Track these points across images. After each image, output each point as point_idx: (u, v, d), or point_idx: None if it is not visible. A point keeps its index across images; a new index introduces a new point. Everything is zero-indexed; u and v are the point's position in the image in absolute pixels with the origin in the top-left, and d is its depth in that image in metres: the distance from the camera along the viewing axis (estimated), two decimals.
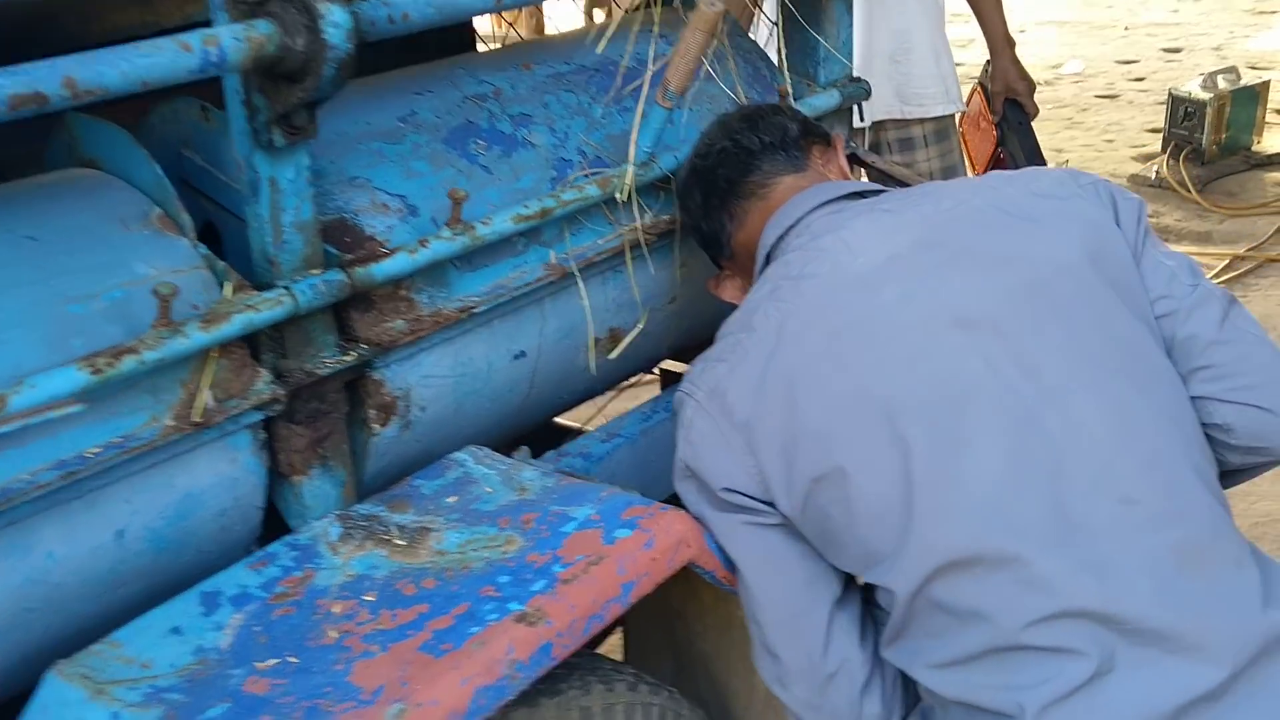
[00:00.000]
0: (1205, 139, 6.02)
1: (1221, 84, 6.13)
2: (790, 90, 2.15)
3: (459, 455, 1.69)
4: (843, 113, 2.25)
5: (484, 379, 1.76)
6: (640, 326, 1.96)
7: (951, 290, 1.54)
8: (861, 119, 2.33)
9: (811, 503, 1.50)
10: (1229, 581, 1.43)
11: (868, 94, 2.25)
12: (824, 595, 1.57)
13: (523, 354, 1.81)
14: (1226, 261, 4.99)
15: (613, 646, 2.17)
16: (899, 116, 3.42)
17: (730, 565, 1.59)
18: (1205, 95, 6.01)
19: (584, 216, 1.84)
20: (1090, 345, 1.50)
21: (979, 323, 1.50)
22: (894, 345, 1.51)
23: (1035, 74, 7.85)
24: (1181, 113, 6.10)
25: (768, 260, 1.71)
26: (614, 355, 1.94)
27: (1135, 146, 6.76)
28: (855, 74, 3.13)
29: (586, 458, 1.93)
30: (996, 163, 3.55)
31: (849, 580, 1.60)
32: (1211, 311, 1.59)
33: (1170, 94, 6.21)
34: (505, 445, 1.80)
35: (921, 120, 3.43)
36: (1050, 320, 1.51)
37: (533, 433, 2.14)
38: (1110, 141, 6.96)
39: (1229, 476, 1.63)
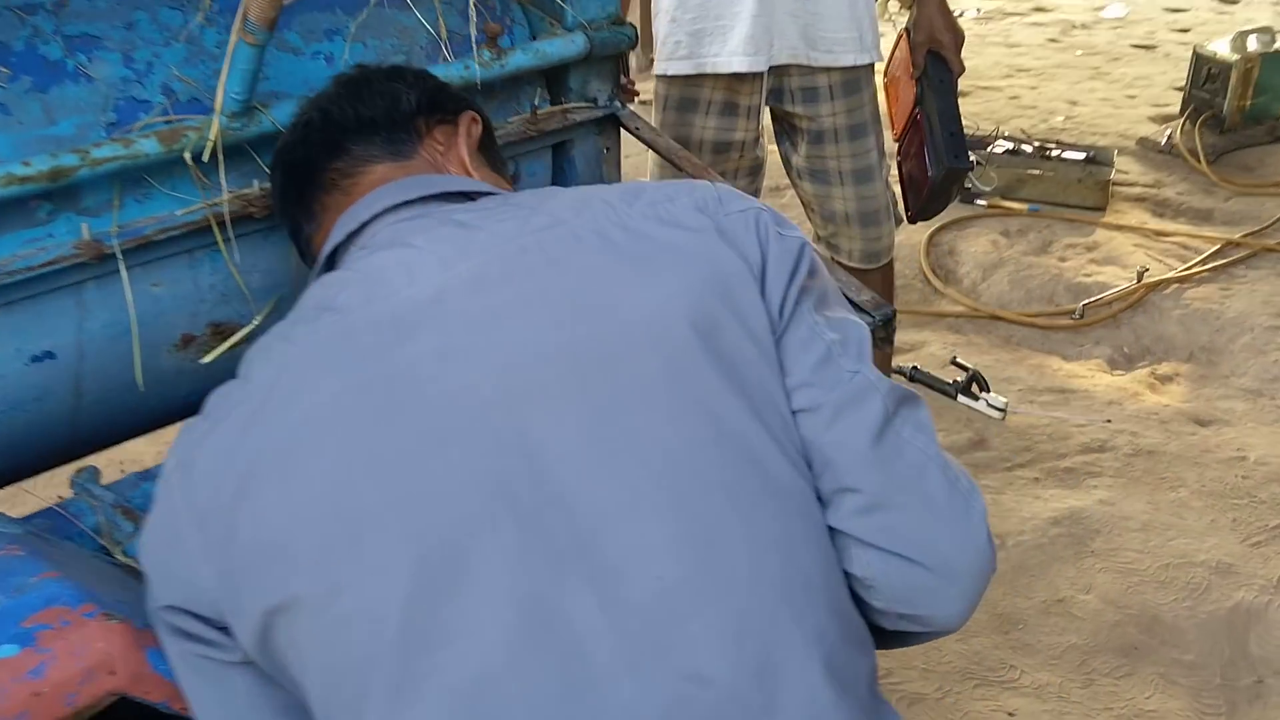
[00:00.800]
0: (1228, 105, 5.40)
1: (1252, 44, 5.49)
2: (513, 28, 1.67)
3: None
4: (597, 63, 1.76)
5: None
6: (258, 321, 1.52)
7: (503, 351, 1.08)
8: (627, 72, 1.83)
9: (270, 641, 1.04)
10: None
11: (632, 42, 1.77)
12: None
13: (49, 355, 1.37)
14: (1218, 246, 4.44)
15: None
16: (804, 63, 2.91)
17: None
18: (1232, 56, 5.40)
19: (156, 179, 1.40)
20: (676, 449, 1.05)
21: (525, 404, 1.05)
22: (402, 427, 1.05)
23: (1073, 16, 7.22)
24: (1205, 73, 5.48)
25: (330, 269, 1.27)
26: (210, 359, 1.50)
27: (1157, 106, 6.15)
28: (751, 11, 2.60)
29: None
30: (914, 124, 3.03)
31: None
32: (868, 413, 1.12)
33: (1195, 51, 5.58)
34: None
35: (829, 69, 2.92)
36: (625, 408, 1.05)
37: None
38: (1132, 97, 6.35)
39: (894, 637, 1.17)
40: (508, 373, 1.06)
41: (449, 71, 1.56)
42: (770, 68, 2.88)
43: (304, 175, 1.34)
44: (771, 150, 3.18)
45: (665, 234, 1.14)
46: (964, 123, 2.96)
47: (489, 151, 1.41)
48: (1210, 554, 2.95)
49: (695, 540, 1.02)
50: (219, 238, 1.42)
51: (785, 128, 3.06)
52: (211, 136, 1.37)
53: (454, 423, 1.04)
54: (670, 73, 2.90)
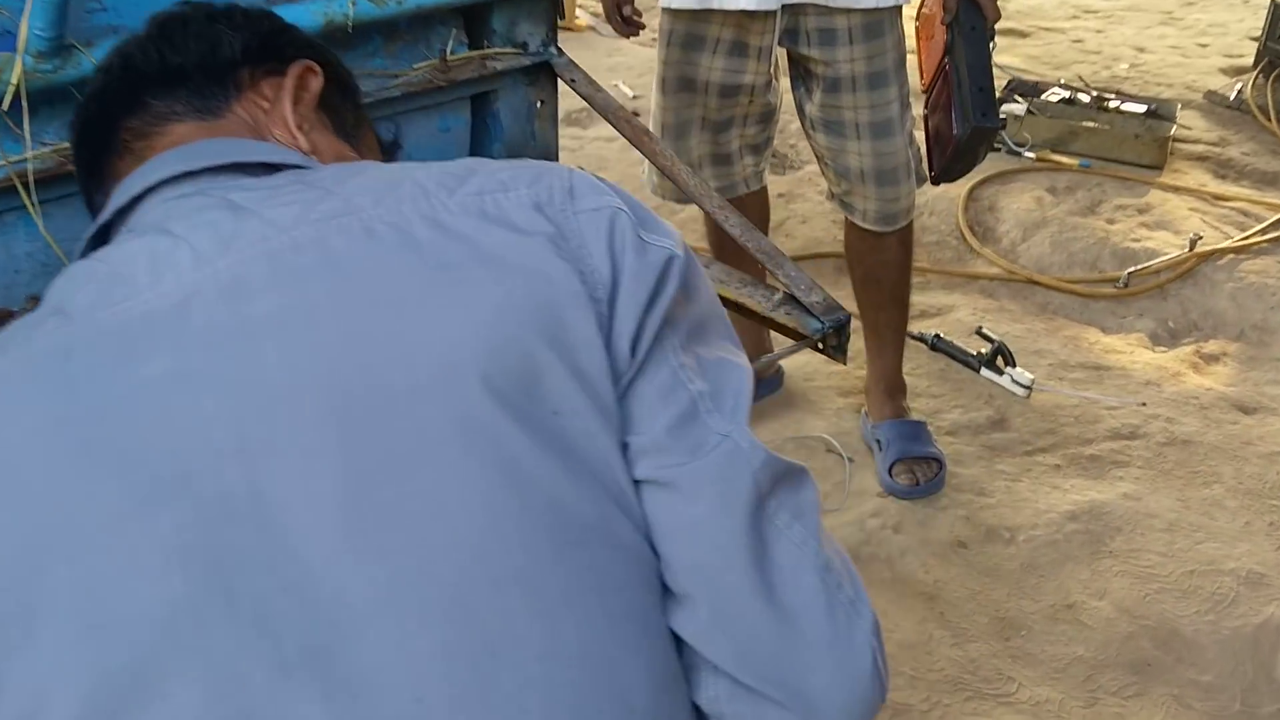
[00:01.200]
0: None
1: None
2: None
3: None
4: (526, 2, 1.51)
5: None
6: None
7: (249, 383, 0.83)
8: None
9: None
10: None
11: None
12: None
13: None
14: (1278, 215, 4.11)
15: None
16: (822, 2, 2.63)
17: None
18: None
19: None
20: (463, 526, 0.80)
21: (266, 455, 0.81)
22: (105, 479, 0.81)
23: None
24: None
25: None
26: None
27: (1229, 56, 5.77)
28: None
29: None
30: (942, 75, 2.75)
31: None
32: (734, 493, 0.87)
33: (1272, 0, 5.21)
34: None
35: (849, 10, 2.63)
36: (400, 470, 0.81)
37: None
38: (1204, 46, 5.97)
39: None
40: (250, 412, 0.82)
41: (329, 8, 1.32)
42: (785, 5, 2.62)
43: (96, 135, 1.10)
44: (788, 94, 2.92)
45: (486, 236, 0.89)
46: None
47: (337, 112, 1.16)
48: (1240, 561, 2.69)
49: (475, 649, 0.78)
50: (26, 199, 1.19)
51: (800, 73, 2.80)
52: (13, 80, 1.14)
53: (171, 476, 0.80)
54: (675, 6, 2.65)
